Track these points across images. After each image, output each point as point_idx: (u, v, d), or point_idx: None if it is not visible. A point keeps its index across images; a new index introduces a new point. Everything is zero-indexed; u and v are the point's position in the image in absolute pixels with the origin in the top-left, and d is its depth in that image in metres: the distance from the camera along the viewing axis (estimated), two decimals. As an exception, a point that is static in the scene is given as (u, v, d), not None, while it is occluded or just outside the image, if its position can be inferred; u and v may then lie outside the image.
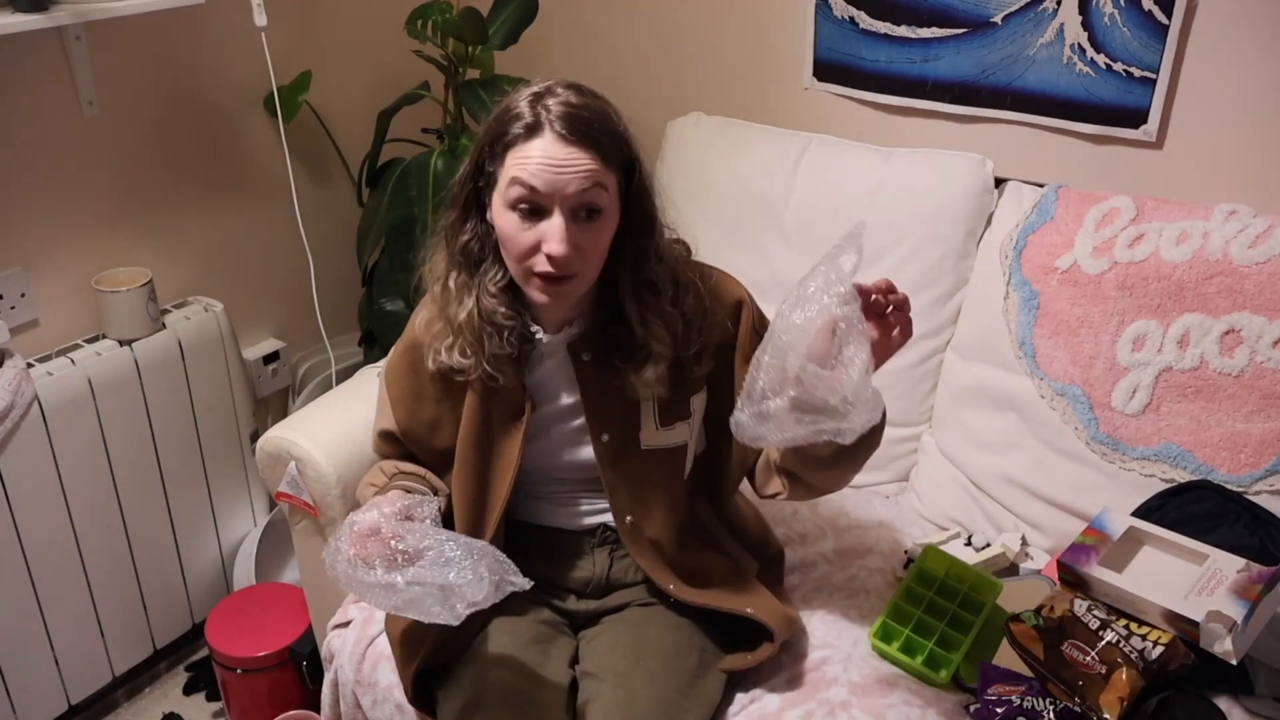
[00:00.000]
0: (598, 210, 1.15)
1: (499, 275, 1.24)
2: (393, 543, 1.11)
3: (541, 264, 1.16)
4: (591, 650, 1.33)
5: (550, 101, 1.14)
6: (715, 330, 1.30)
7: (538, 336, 1.29)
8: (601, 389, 1.29)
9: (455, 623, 1.09)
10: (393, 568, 1.10)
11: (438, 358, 1.28)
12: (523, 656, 1.28)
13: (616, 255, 1.23)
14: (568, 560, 1.38)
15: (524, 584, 1.11)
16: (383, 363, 1.72)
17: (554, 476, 1.36)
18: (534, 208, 1.14)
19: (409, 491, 1.30)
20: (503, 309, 1.24)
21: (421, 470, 1.38)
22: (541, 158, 1.13)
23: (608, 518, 1.37)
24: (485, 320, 1.24)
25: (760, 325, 1.34)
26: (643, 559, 1.33)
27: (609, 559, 1.38)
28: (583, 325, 1.28)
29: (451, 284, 1.25)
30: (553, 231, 1.14)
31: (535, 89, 1.17)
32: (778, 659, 1.42)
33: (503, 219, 1.17)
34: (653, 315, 1.24)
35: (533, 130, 1.13)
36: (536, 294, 1.19)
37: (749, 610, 1.33)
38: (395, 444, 1.39)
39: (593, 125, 1.14)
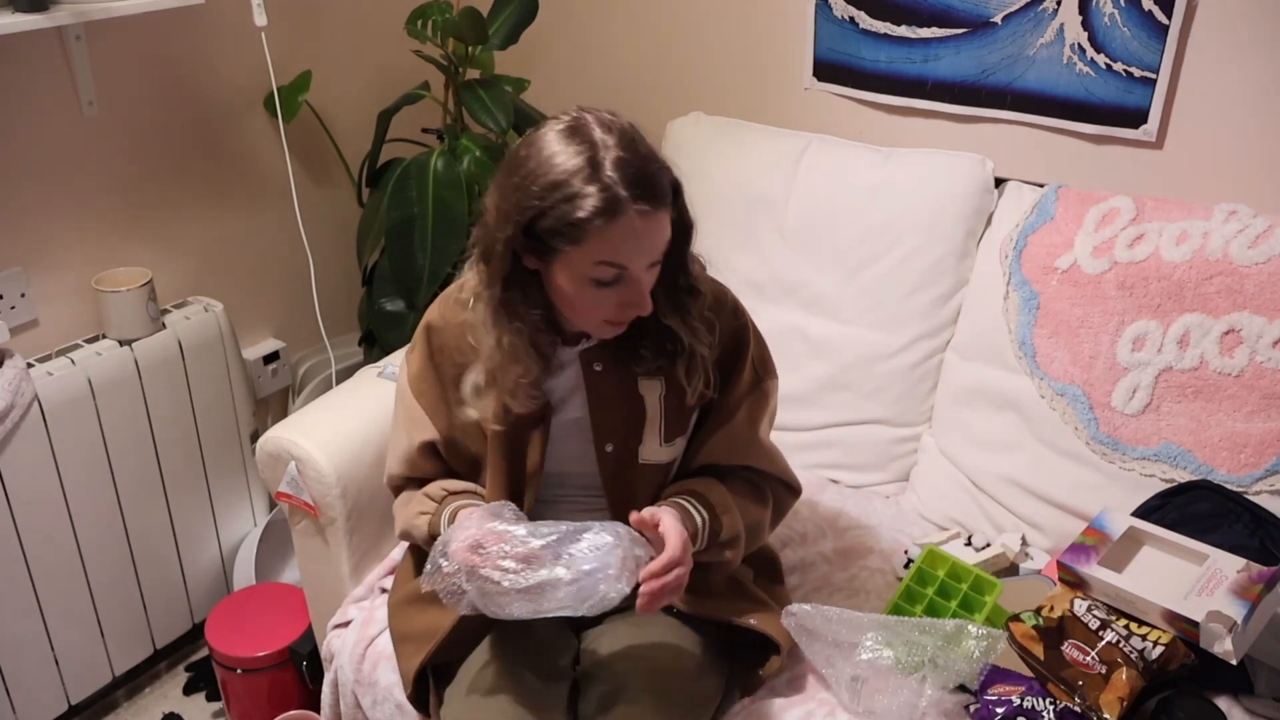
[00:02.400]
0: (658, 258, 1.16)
1: (539, 315, 1.21)
2: (533, 542, 1.09)
3: (617, 315, 1.17)
4: (593, 651, 1.32)
5: (608, 166, 1.07)
6: (720, 346, 1.30)
7: (558, 350, 1.28)
8: (609, 399, 1.28)
9: (606, 607, 1.10)
10: (537, 563, 1.08)
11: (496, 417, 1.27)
12: (525, 657, 1.28)
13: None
14: None
15: (649, 552, 1.14)
16: (383, 363, 1.73)
17: (562, 482, 1.35)
18: (617, 278, 1.13)
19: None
20: (544, 335, 1.22)
21: (470, 485, 1.34)
22: (631, 236, 1.09)
23: None
24: (533, 348, 1.22)
25: (758, 356, 1.35)
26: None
27: None
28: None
29: (505, 344, 1.20)
30: (638, 297, 1.14)
31: (580, 157, 1.08)
32: (777, 659, 1.43)
33: (577, 289, 1.14)
34: (694, 318, 1.23)
35: (613, 213, 1.07)
36: (604, 331, 1.20)
37: (752, 621, 1.32)
38: (433, 458, 1.35)
39: (656, 179, 1.11)
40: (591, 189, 1.07)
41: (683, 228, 1.19)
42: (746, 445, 1.35)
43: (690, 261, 1.23)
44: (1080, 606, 1.32)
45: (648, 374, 1.27)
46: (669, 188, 1.13)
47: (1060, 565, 1.37)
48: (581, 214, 1.07)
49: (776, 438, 1.84)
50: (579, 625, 1.38)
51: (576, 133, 1.10)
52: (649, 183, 1.09)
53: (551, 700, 1.24)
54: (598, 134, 1.09)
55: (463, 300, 1.27)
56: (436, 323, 1.32)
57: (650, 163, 1.11)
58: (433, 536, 1.26)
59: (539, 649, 1.30)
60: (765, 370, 1.36)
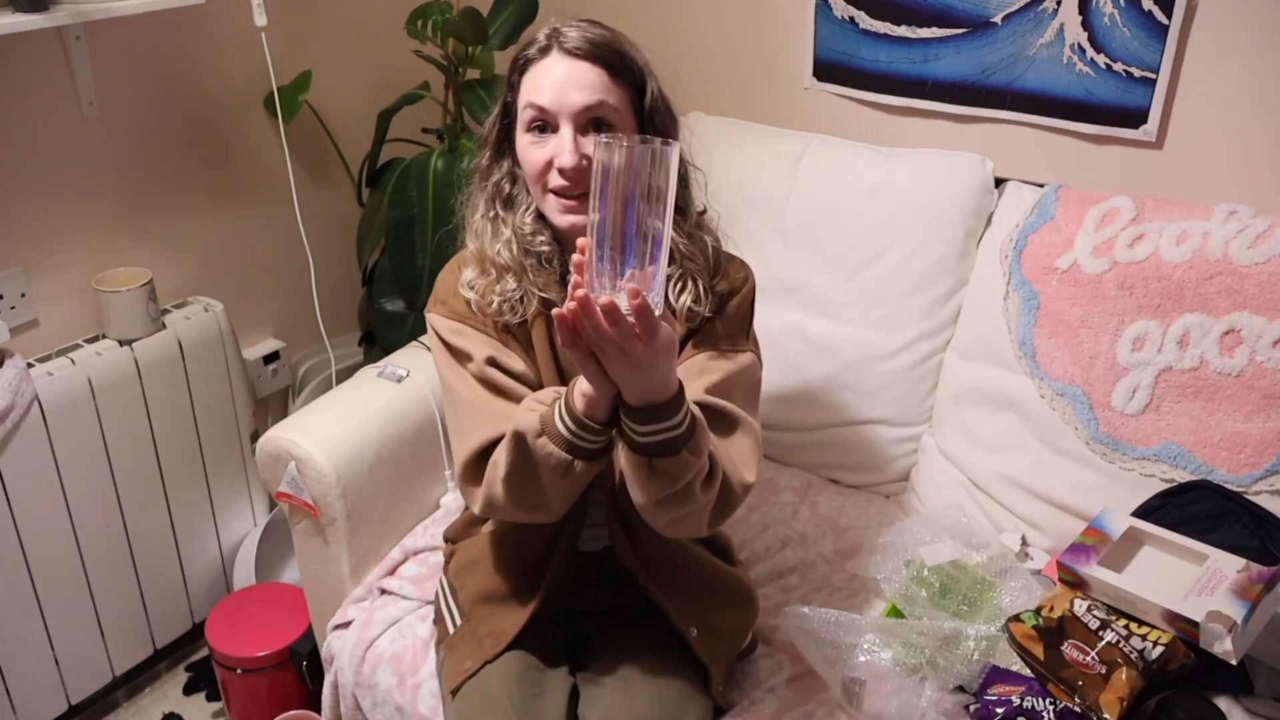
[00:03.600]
0: (608, 125, 1.18)
1: (532, 206, 1.25)
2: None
3: (555, 179, 1.18)
4: (593, 656, 1.32)
5: (565, 29, 1.20)
6: (723, 283, 1.29)
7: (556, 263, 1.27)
8: None
9: None
10: None
11: (489, 308, 1.25)
12: (524, 661, 1.28)
13: None
14: (585, 585, 1.37)
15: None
16: (383, 363, 1.73)
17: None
18: (545, 125, 1.18)
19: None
20: (541, 235, 1.25)
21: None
22: (550, 75, 1.17)
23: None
24: (523, 249, 1.24)
25: (749, 326, 1.32)
26: (610, 524, 1.29)
27: (618, 584, 1.37)
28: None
29: (488, 220, 1.26)
30: (561, 144, 1.17)
31: (556, 23, 1.21)
32: (776, 659, 1.43)
33: (520, 144, 1.21)
34: (681, 236, 1.24)
35: (544, 51, 1.19)
36: (556, 214, 1.20)
37: (693, 631, 1.29)
38: (502, 371, 1.26)
39: (599, 44, 1.18)
40: (541, 35, 1.21)
41: (658, 134, 1.23)
42: (700, 371, 1.23)
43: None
44: (1080, 606, 1.32)
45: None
46: (616, 61, 1.19)
47: (1060, 565, 1.37)
48: (525, 52, 1.21)
49: (778, 437, 1.85)
50: (580, 630, 1.38)
51: (564, 20, 1.23)
52: (586, 40, 1.18)
53: (551, 704, 1.24)
54: (575, 19, 1.22)
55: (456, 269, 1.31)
56: (441, 293, 1.31)
57: (601, 36, 1.19)
58: (543, 428, 1.10)
59: (539, 653, 1.30)
60: (751, 341, 1.31)
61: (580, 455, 1.09)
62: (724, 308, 1.28)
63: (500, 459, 1.14)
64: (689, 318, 1.24)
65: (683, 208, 1.26)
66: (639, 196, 0.94)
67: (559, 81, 1.17)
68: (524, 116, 1.20)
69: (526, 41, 1.22)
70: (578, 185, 1.17)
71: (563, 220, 1.20)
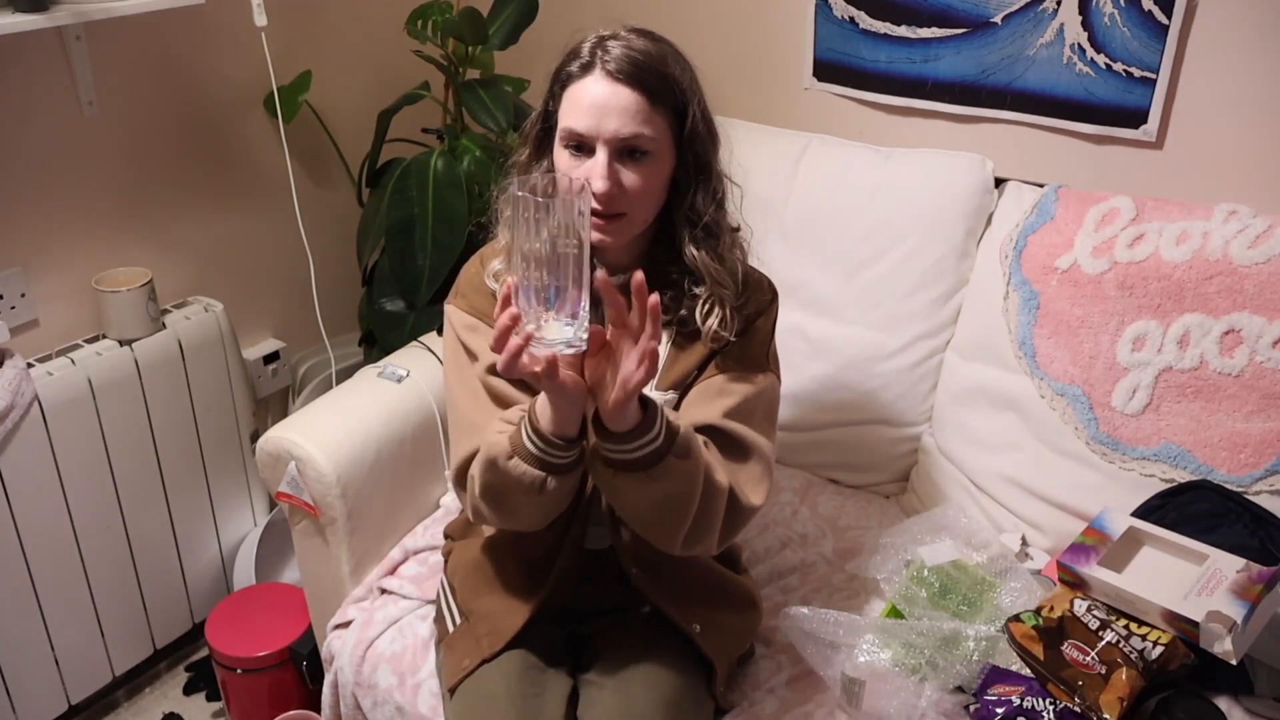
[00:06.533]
0: (643, 152, 1.18)
1: None
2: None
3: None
4: (593, 656, 1.32)
5: (610, 43, 1.18)
6: (750, 305, 1.30)
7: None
8: None
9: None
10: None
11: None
12: (524, 660, 1.28)
13: (673, 201, 1.25)
14: (587, 584, 1.37)
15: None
16: (383, 363, 1.73)
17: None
18: (581, 146, 1.18)
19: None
20: None
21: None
22: (588, 97, 1.17)
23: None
24: None
25: (771, 349, 1.33)
26: (608, 524, 1.30)
27: (624, 583, 1.36)
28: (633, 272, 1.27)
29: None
30: (595, 169, 1.17)
31: (603, 31, 1.21)
32: (776, 660, 1.43)
33: (558, 156, 1.22)
34: (713, 259, 1.25)
35: (586, 69, 1.18)
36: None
37: (696, 628, 1.30)
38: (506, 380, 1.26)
39: (643, 66, 1.17)
40: (586, 48, 1.19)
41: (696, 160, 1.23)
42: (719, 393, 1.26)
43: (709, 202, 1.25)
44: (1080, 606, 1.32)
45: (695, 306, 1.27)
46: (658, 85, 1.18)
47: (1060, 565, 1.37)
48: (567, 66, 1.20)
49: (778, 437, 1.84)
50: (580, 632, 1.38)
51: (613, 29, 1.22)
52: (630, 62, 1.17)
53: (551, 705, 1.24)
54: (625, 30, 1.21)
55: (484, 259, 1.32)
56: (462, 286, 1.33)
57: (648, 57, 1.18)
58: (514, 450, 1.13)
59: (539, 654, 1.30)
60: (771, 362, 1.33)
61: (553, 471, 1.12)
62: (749, 329, 1.29)
63: (475, 475, 1.18)
64: (714, 339, 1.26)
65: (715, 232, 1.26)
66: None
67: (597, 106, 1.16)
68: (561, 133, 1.20)
69: (572, 49, 1.21)
70: (609, 207, 1.18)
71: (591, 236, 1.20)
